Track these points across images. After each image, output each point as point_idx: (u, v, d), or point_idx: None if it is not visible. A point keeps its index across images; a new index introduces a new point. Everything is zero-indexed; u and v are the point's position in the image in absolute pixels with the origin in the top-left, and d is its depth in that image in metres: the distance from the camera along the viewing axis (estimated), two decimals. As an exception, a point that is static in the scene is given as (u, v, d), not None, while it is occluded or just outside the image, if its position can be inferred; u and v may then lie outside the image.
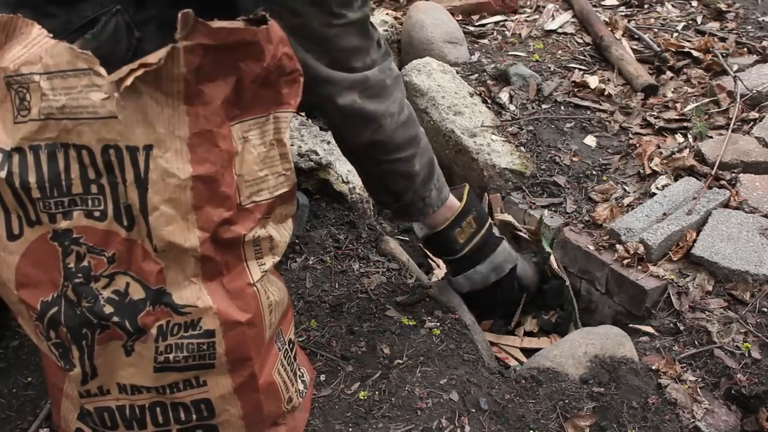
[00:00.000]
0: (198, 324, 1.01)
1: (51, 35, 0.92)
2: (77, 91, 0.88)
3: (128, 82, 0.86)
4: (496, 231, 1.75)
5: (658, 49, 2.81)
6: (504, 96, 2.62)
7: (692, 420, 1.43)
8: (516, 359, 1.86)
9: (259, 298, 1.07)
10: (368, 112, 1.30)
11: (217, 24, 0.89)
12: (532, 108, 2.57)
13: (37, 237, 0.96)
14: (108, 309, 0.97)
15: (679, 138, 2.34)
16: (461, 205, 1.61)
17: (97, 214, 0.94)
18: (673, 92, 2.61)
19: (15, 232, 0.97)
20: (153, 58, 0.86)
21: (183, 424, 1.09)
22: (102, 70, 0.88)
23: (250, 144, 1.00)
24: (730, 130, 2.26)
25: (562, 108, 2.57)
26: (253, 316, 1.06)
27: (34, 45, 0.92)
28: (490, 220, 1.71)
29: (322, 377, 1.47)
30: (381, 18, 3.10)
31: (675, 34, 2.98)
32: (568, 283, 1.94)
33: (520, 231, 2.07)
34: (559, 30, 3.08)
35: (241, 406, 1.11)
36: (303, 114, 2.18)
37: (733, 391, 1.50)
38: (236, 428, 1.13)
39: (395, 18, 3.21)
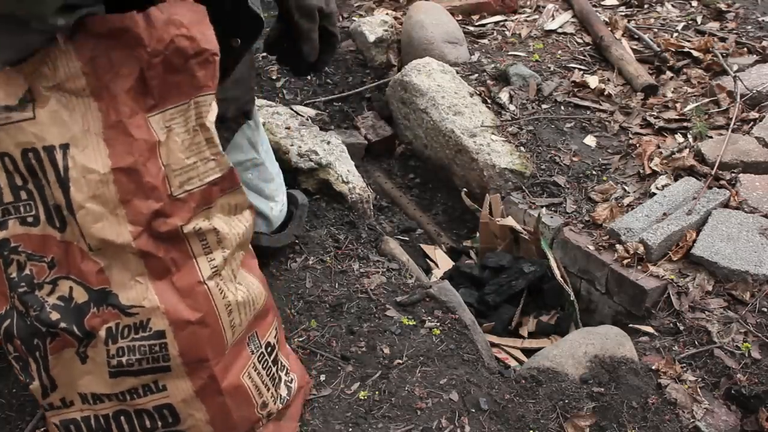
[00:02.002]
0: (147, 325, 1.00)
1: None
2: None
3: (26, 69, 0.87)
4: None
5: (658, 49, 2.81)
6: (504, 96, 2.62)
7: (692, 420, 1.43)
8: (516, 359, 1.86)
9: (212, 296, 1.05)
10: None
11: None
12: (532, 108, 2.57)
13: None
14: (54, 315, 0.97)
15: (679, 138, 2.34)
16: None
17: (30, 219, 0.95)
18: (673, 92, 2.61)
19: None
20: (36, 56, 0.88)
21: None
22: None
23: (173, 133, 0.99)
24: (730, 130, 2.26)
25: (562, 108, 2.57)
26: (205, 315, 1.04)
27: None
28: None
29: (322, 377, 1.47)
30: (381, 18, 3.10)
31: (675, 34, 2.98)
32: (571, 294, 1.93)
33: (521, 233, 2.08)
34: (559, 30, 3.08)
35: (206, 411, 1.09)
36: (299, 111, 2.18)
37: (733, 391, 1.50)
38: None
39: (395, 18, 3.21)
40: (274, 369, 1.25)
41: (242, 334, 1.14)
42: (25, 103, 0.89)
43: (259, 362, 1.19)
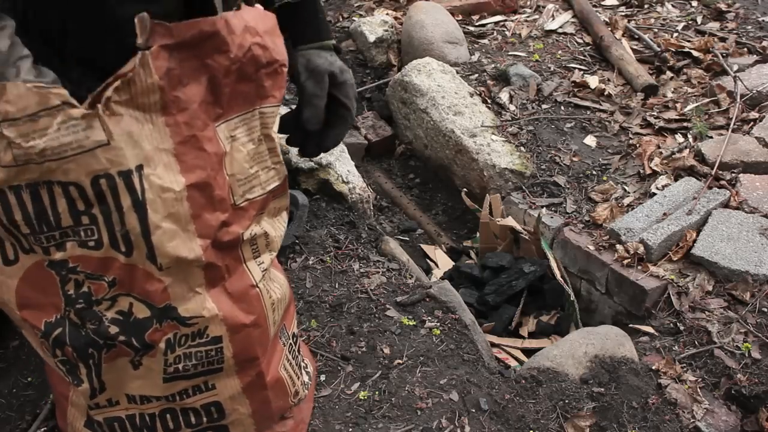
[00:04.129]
0: (205, 332, 1.01)
1: None
2: (55, 131, 0.82)
3: (108, 93, 0.82)
4: None
5: (658, 49, 2.81)
6: (504, 96, 2.62)
7: (692, 420, 1.43)
8: (516, 359, 1.86)
9: (262, 298, 1.07)
10: None
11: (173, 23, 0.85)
12: (532, 108, 2.57)
13: (33, 263, 0.93)
14: (113, 329, 0.96)
15: (679, 138, 2.34)
16: None
17: (91, 243, 0.91)
18: (673, 92, 2.61)
19: (10, 258, 0.94)
20: (126, 68, 0.83)
21: (194, 428, 1.09)
22: (75, 102, 0.82)
23: (238, 142, 0.98)
24: (730, 130, 2.26)
25: (562, 108, 2.57)
26: (258, 317, 1.06)
27: None
28: None
29: (322, 377, 1.47)
30: (381, 18, 3.10)
31: (675, 34, 2.98)
32: (571, 294, 1.93)
33: (521, 233, 2.08)
34: (559, 30, 3.08)
35: (250, 405, 1.12)
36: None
37: (733, 391, 1.50)
38: (246, 426, 1.14)
39: (395, 18, 3.21)
40: (299, 357, 1.28)
41: (276, 329, 1.16)
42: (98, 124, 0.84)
43: (289, 353, 1.22)
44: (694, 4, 3.28)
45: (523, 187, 2.24)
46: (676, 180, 2.13)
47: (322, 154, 2.07)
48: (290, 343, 1.23)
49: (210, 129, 0.93)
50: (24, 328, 1.02)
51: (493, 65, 2.80)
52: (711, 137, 2.28)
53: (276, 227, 1.12)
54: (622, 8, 3.29)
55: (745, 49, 2.83)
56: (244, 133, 0.99)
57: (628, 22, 3.09)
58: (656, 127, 2.42)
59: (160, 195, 0.88)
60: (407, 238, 2.35)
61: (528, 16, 3.23)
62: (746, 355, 1.56)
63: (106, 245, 0.90)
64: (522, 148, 2.35)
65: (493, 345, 1.85)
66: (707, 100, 2.50)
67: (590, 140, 2.42)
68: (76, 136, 0.82)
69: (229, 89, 0.94)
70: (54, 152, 0.83)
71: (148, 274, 0.93)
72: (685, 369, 1.55)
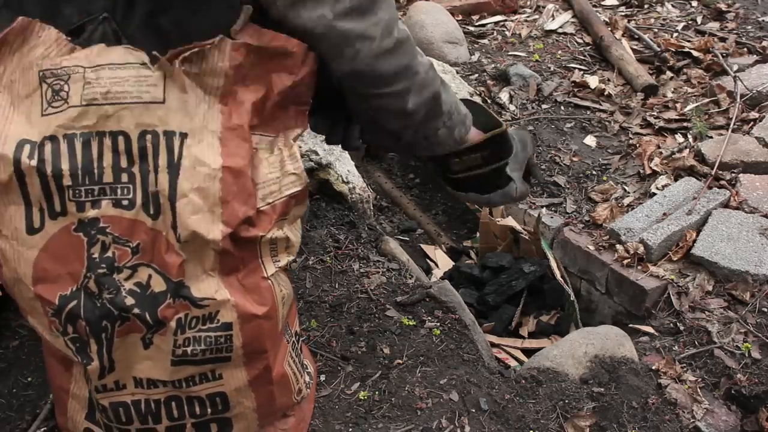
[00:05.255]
0: (216, 317, 1.02)
1: (70, 38, 0.95)
2: (124, 79, 0.92)
3: (185, 55, 0.90)
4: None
5: (658, 49, 2.81)
6: (504, 96, 2.62)
7: (692, 420, 1.43)
8: (516, 359, 1.86)
9: (274, 291, 1.09)
10: (338, 32, 1.05)
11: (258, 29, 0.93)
12: (532, 108, 2.57)
13: (59, 229, 0.97)
14: (129, 300, 0.98)
15: (679, 138, 2.35)
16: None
17: (125, 202, 0.96)
18: (673, 92, 2.61)
19: (35, 226, 0.97)
20: (203, 44, 0.91)
21: (198, 418, 1.10)
22: (150, 65, 0.92)
23: (259, 151, 1.03)
24: (730, 130, 2.26)
25: (562, 108, 2.57)
26: (269, 309, 1.08)
27: (58, 46, 0.94)
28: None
29: (322, 377, 1.47)
30: (381, 18, 3.10)
31: (675, 34, 2.98)
32: (571, 294, 1.94)
33: (521, 233, 2.08)
34: (559, 30, 3.08)
35: (255, 399, 1.13)
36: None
37: (733, 391, 1.50)
38: (249, 420, 1.14)
39: (395, 18, 3.22)
40: (301, 356, 1.29)
41: (282, 325, 1.17)
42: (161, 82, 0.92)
43: (292, 351, 1.23)
44: (694, 4, 3.28)
45: (523, 187, 2.24)
46: (676, 180, 2.13)
47: (321, 154, 2.08)
48: (293, 341, 1.24)
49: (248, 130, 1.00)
50: (33, 309, 1.03)
51: (493, 65, 2.80)
52: (711, 137, 2.28)
53: (295, 233, 1.15)
54: (622, 8, 3.29)
55: (745, 49, 2.83)
56: (265, 149, 1.05)
57: (628, 22, 3.10)
58: (656, 127, 2.42)
59: (196, 166, 0.94)
60: (407, 238, 2.35)
61: (528, 16, 3.23)
62: (746, 355, 1.56)
63: (137, 206, 0.96)
64: (522, 148, 2.35)
65: (493, 345, 1.85)
66: (707, 100, 2.51)
67: (590, 140, 2.42)
68: (138, 87, 0.92)
69: (271, 109, 1.02)
70: (115, 96, 0.92)
71: (169, 245, 0.97)
72: (685, 369, 1.55)
